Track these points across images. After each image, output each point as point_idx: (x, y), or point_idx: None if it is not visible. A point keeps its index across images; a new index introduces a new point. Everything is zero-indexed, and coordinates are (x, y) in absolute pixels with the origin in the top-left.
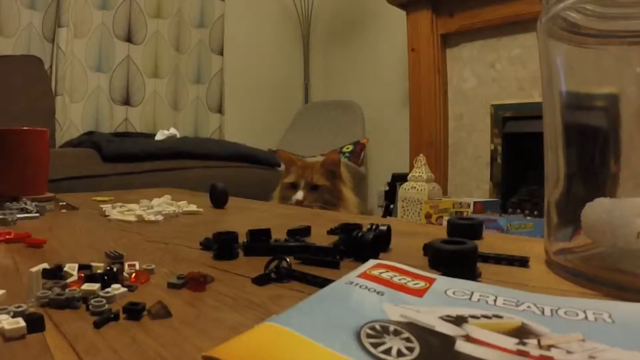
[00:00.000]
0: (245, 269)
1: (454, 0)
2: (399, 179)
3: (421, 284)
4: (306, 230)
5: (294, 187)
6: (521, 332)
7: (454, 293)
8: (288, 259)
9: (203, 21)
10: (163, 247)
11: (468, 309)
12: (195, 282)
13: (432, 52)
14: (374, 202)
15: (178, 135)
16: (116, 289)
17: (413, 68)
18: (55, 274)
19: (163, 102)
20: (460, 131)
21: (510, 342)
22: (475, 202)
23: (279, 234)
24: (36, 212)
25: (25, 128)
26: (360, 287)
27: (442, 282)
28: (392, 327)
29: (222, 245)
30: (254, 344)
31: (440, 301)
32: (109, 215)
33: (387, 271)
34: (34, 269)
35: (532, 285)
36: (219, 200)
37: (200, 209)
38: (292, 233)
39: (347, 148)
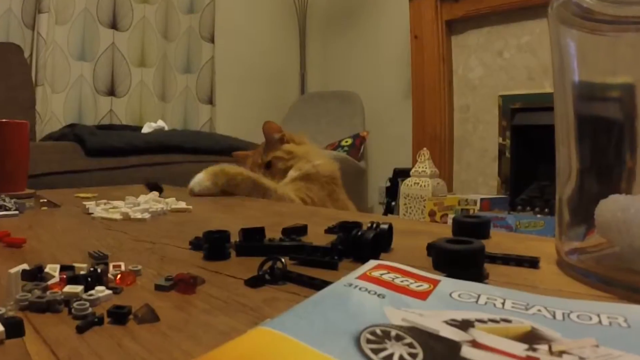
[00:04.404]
0: (238, 270)
1: None
2: (401, 174)
3: (425, 286)
4: (302, 229)
5: None
6: (531, 337)
7: (459, 296)
8: (283, 260)
9: (193, 6)
10: (150, 246)
11: (474, 313)
12: (185, 284)
13: (436, 39)
14: (375, 199)
15: (166, 128)
16: (100, 291)
17: (416, 56)
18: (35, 275)
19: (150, 92)
20: (466, 124)
21: (520, 348)
22: (482, 199)
23: (273, 233)
24: (15, 210)
25: (3, 120)
26: (360, 289)
27: (447, 284)
28: (393, 332)
29: (213, 245)
30: (247, 350)
31: (445, 304)
32: (92, 213)
33: (389, 272)
34: (12, 270)
35: (542, 287)
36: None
37: (190, 207)
38: (287, 232)
39: (346, 141)
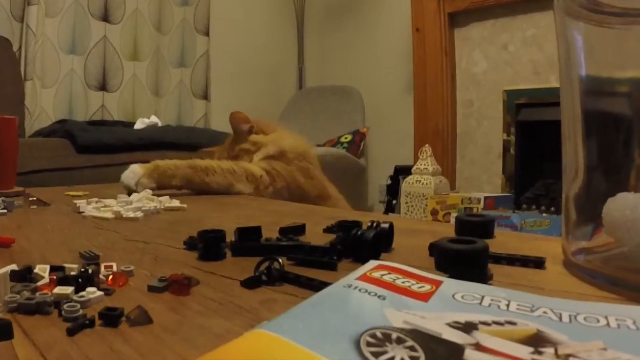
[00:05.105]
0: (234, 270)
1: None
2: (403, 171)
3: (427, 287)
4: (300, 228)
5: None
6: (536, 340)
7: (462, 297)
8: (280, 260)
9: None
10: (143, 246)
11: (478, 315)
12: (179, 285)
13: (439, 32)
14: (375, 197)
15: (160, 124)
16: (91, 292)
17: (418, 50)
18: (24, 276)
19: (143, 87)
20: (469, 119)
21: (525, 351)
22: (486, 197)
23: (270, 233)
24: (3, 209)
25: None
26: (360, 290)
27: (450, 285)
28: (394, 335)
29: (208, 245)
30: (243, 353)
31: (447, 306)
32: (83, 212)
33: (389, 273)
34: (1, 271)
35: (548, 288)
36: None
37: (184, 205)
38: (284, 231)
39: (346, 138)
